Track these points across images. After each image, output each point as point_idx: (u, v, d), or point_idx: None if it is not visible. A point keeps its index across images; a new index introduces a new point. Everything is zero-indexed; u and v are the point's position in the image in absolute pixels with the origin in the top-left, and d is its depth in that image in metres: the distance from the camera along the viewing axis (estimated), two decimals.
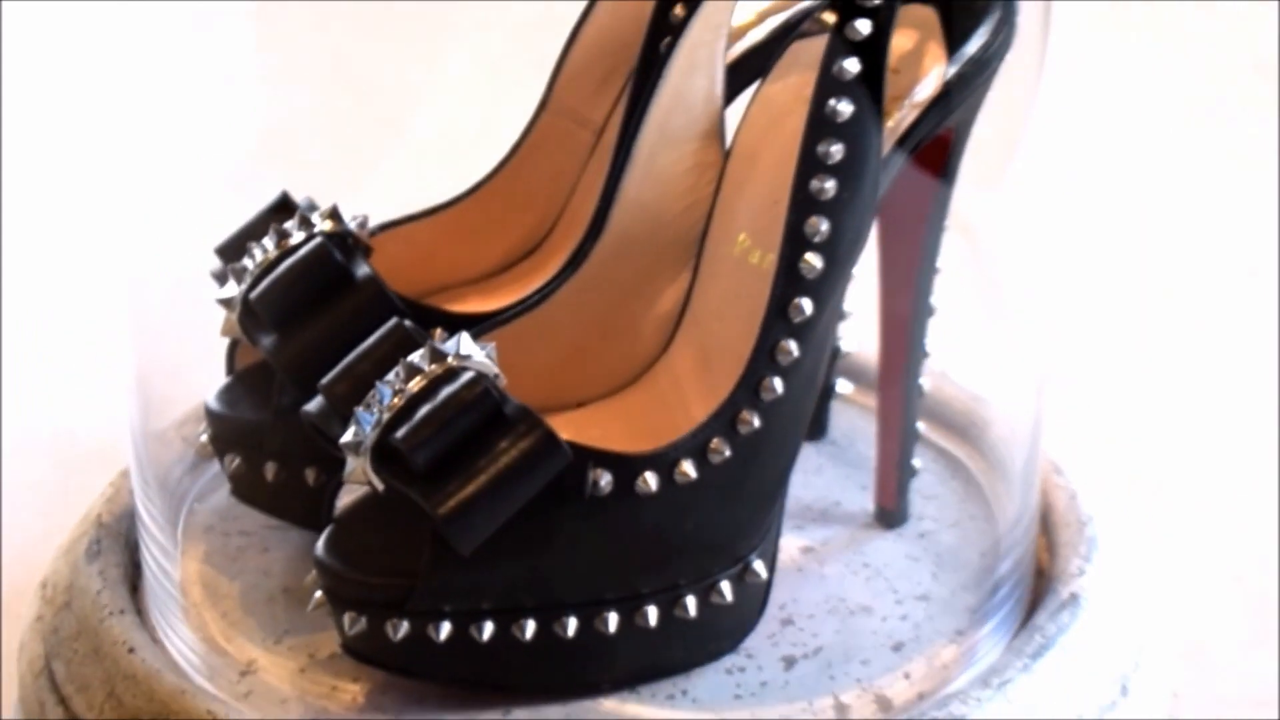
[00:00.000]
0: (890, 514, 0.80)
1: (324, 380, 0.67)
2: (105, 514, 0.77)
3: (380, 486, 0.65)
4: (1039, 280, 0.79)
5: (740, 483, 0.71)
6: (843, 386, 0.81)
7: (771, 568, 0.71)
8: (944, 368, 0.85)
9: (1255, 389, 1.02)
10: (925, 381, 0.80)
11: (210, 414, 0.74)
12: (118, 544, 0.76)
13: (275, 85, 0.82)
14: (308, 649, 0.71)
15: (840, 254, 0.68)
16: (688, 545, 0.70)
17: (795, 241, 0.69)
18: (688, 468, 0.67)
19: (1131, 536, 0.83)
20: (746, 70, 0.76)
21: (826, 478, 0.77)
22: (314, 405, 0.67)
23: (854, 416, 0.81)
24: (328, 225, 0.74)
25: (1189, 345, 1.08)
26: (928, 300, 0.78)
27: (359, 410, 0.65)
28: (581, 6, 0.80)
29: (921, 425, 0.81)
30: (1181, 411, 1.00)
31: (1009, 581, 0.76)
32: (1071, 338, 0.96)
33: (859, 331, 0.78)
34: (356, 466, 0.65)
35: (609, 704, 0.70)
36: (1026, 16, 0.73)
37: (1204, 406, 1.01)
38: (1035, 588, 0.77)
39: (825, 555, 0.77)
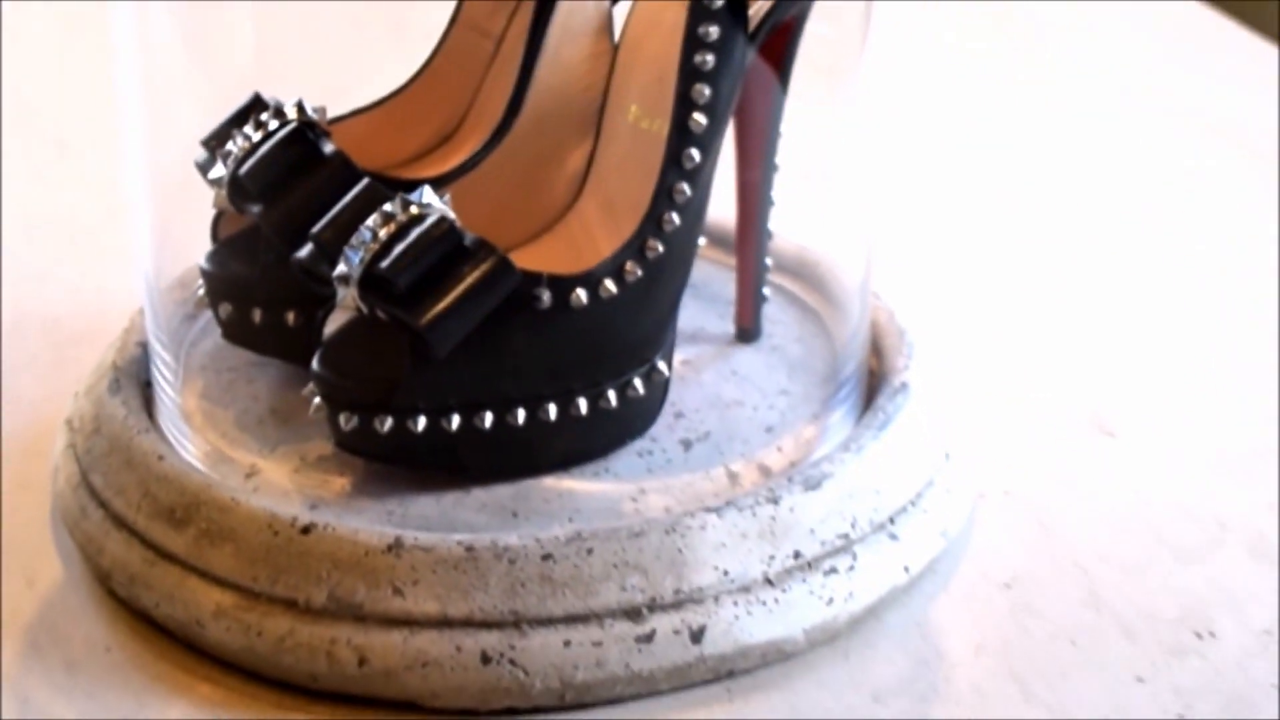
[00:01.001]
0: (748, 332, 0.90)
1: (314, 229, 0.77)
2: (118, 360, 0.85)
3: (366, 310, 0.74)
4: (867, 145, 0.89)
5: (649, 297, 0.81)
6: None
7: (670, 368, 0.81)
8: (785, 217, 0.92)
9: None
10: (771, 227, 0.89)
11: (204, 272, 0.84)
12: (132, 382, 0.84)
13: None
14: (299, 454, 0.80)
15: (719, 112, 0.80)
16: (609, 349, 0.80)
17: (684, 105, 0.80)
18: (610, 285, 0.77)
19: (939, 343, 0.93)
20: None
21: (691, 310, 0.87)
22: (303, 252, 0.77)
23: (707, 265, 0.90)
24: (295, 115, 0.82)
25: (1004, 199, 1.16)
26: (773, 160, 0.88)
27: (346, 250, 0.75)
28: None
29: (769, 261, 0.90)
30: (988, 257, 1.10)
31: (850, 381, 0.86)
32: (893, 192, 1.06)
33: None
34: (347, 295, 0.75)
35: (549, 482, 0.79)
36: None
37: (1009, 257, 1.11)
38: (869, 386, 0.87)
39: (700, 366, 0.88)
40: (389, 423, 0.76)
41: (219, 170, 0.82)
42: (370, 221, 0.76)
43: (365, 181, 0.78)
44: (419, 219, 0.76)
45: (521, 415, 0.78)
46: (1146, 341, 1.03)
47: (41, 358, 1.00)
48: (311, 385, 0.77)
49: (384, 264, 0.74)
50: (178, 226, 0.89)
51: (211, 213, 0.87)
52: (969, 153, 1.24)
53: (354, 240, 0.76)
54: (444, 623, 0.72)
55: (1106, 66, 1.35)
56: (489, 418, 0.77)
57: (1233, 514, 0.85)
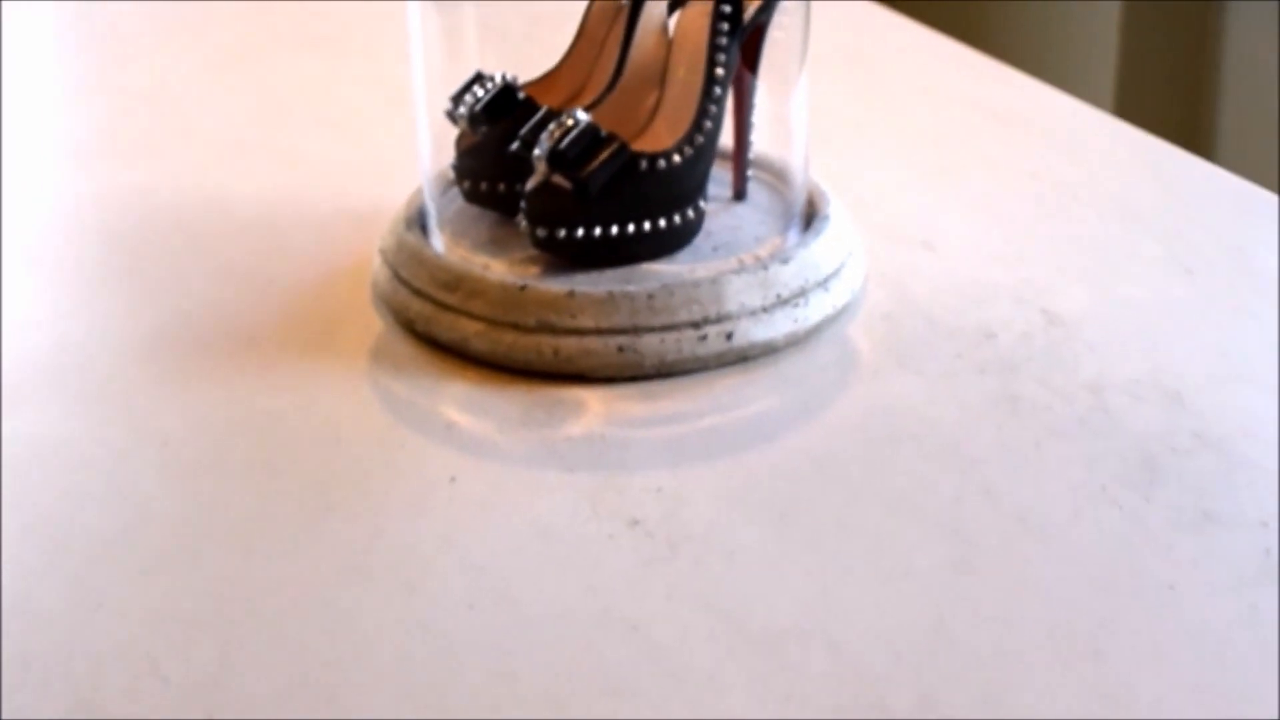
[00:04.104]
0: (740, 195, 1.14)
1: (521, 132, 1.05)
2: (408, 214, 1.09)
3: (549, 174, 1.04)
4: (803, 98, 1.11)
5: (695, 168, 1.06)
6: None
7: (705, 208, 1.08)
8: (759, 137, 1.15)
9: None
10: (754, 138, 1.14)
11: (454, 166, 1.11)
12: (416, 225, 1.09)
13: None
14: (508, 261, 1.07)
15: (726, 76, 1.07)
16: (675, 193, 1.06)
17: (710, 68, 1.07)
18: (675, 159, 1.05)
19: (845, 198, 1.14)
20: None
21: (710, 185, 1.10)
22: (514, 146, 1.05)
23: (717, 165, 1.11)
24: (501, 81, 1.09)
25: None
26: (752, 105, 1.13)
27: (542, 139, 1.04)
28: None
29: (751, 158, 1.14)
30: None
31: (797, 216, 1.10)
32: (823, 106, 1.17)
33: None
34: (541, 165, 1.04)
35: (645, 266, 1.05)
36: None
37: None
38: (807, 218, 1.10)
39: (716, 210, 1.12)
40: (562, 233, 1.04)
41: (462, 110, 1.09)
42: (550, 126, 1.04)
43: (545, 109, 1.07)
44: (577, 124, 1.04)
45: (631, 228, 1.05)
46: (960, 183, 1.26)
47: (359, 218, 1.21)
48: (521, 215, 1.05)
49: (561, 145, 1.03)
50: (440, 143, 1.13)
51: (455, 134, 1.11)
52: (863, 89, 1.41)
53: (543, 136, 1.04)
54: (597, 332, 1.01)
55: None
56: (614, 230, 1.05)
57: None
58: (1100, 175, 1.30)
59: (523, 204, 1.06)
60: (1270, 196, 1.25)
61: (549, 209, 1.05)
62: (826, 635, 0.83)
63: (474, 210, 1.12)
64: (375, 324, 1.09)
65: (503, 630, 0.84)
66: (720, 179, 1.15)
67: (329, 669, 0.82)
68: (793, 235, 1.11)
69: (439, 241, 1.10)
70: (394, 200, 1.15)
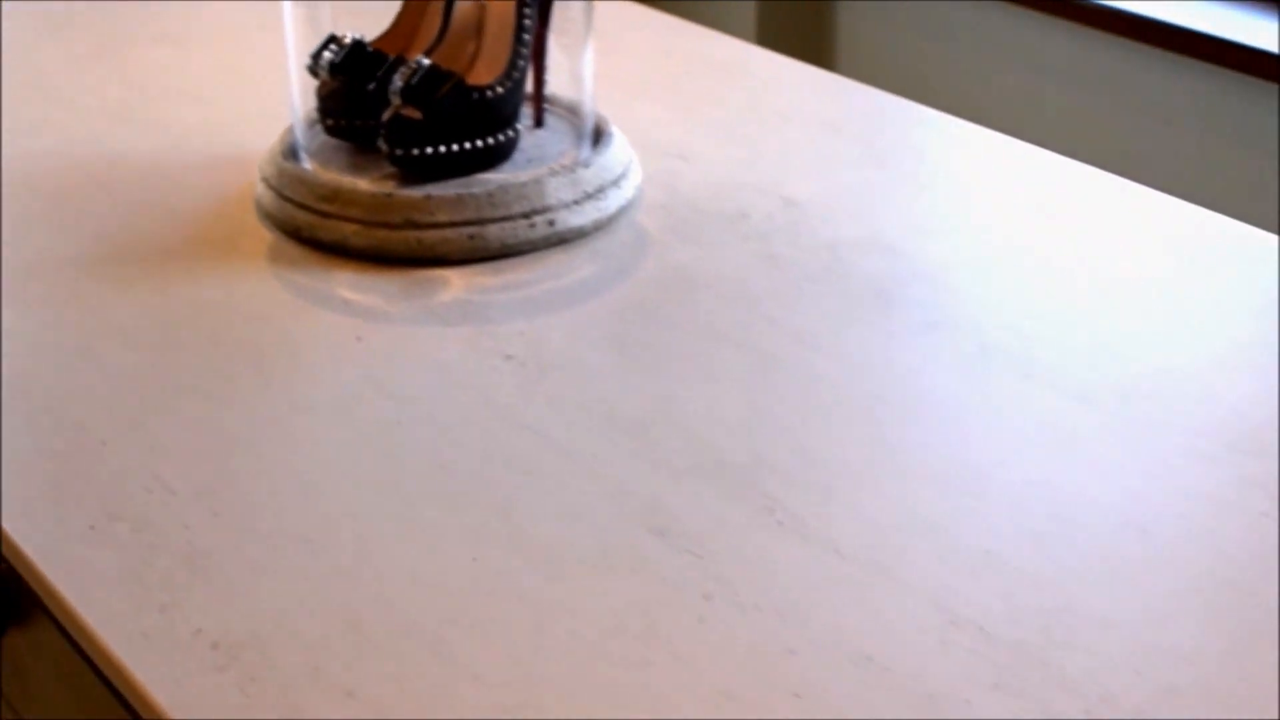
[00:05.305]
0: (539, 122, 1.32)
1: (378, 74, 1.22)
2: (281, 147, 1.25)
3: (402, 107, 1.21)
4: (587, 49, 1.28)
5: (511, 98, 1.25)
6: None
7: (519, 131, 1.26)
8: (553, 80, 1.33)
9: None
10: (548, 78, 1.32)
11: (318, 108, 1.27)
12: (290, 154, 1.25)
13: None
14: (369, 179, 1.23)
15: (530, 28, 1.25)
16: (499, 117, 1.23)
17: (519, 23, 1.25)
18: (499, 89, 1.23)
19: (624, 124, 1.31)
20: None
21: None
22: (372, 85, 1.22)
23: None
24: (352, 40, 1.25)
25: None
26: (545, 54, 1.31)
27: (393, 80, 1.20)
28: None
29: (546, 94, 1.32)
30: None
31: (588, 135, 1.28)
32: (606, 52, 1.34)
33: None
34: (395, 99, 1.20)
35: (481, 176, 1.23)
36: None
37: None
38: (596, 137, 1.29)
39: (525, 133, 1.29)
40: (415, 152, 1.21)
41: (323, 63, 1.25)
42: (401, 69, 1.21)
43: (393, 57, 1.24)
44: (422, 67, 1.21)
45: (468, 146, 1.22)
46: (701, 115, 1.43)
47: (240, 149, 1.37)
48: (380, 140, 1.22)
49: (413, 82, 1.20)
50: (304, 90, 1.29)
51: (316, 84, 1.27)
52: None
53: (395, 77, 1.21)
54: (451, 225, 1.19)
55: None
56: (455, 147, 1.22)
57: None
58: (804, 105, 1.52)
59: (381, 131, 1.23)
60: (907, 102, 1.50)
61: (404, 133, 1.22)
62: (676, 419, 1.03)
63: (335, 143, 1.30)
64: (265, 235, 1.26)
65: (430, 436, 1.02)
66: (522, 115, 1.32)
67: (301, 471, 0.99)
68: (586, 150, 1.30)
69: (310, 168, 1.28)
70: (254, 147, 1.33)
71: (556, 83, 1.35)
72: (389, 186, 1.23)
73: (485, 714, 0.81)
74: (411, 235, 1.20)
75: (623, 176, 1.28)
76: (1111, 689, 0.82)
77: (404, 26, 1.32)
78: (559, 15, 1.32)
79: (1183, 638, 0.85)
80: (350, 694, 0.82)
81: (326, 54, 1.27)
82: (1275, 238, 1.23)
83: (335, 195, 1.22)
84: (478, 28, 1.29)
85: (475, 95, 1.23)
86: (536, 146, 1.31)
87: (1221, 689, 0.82)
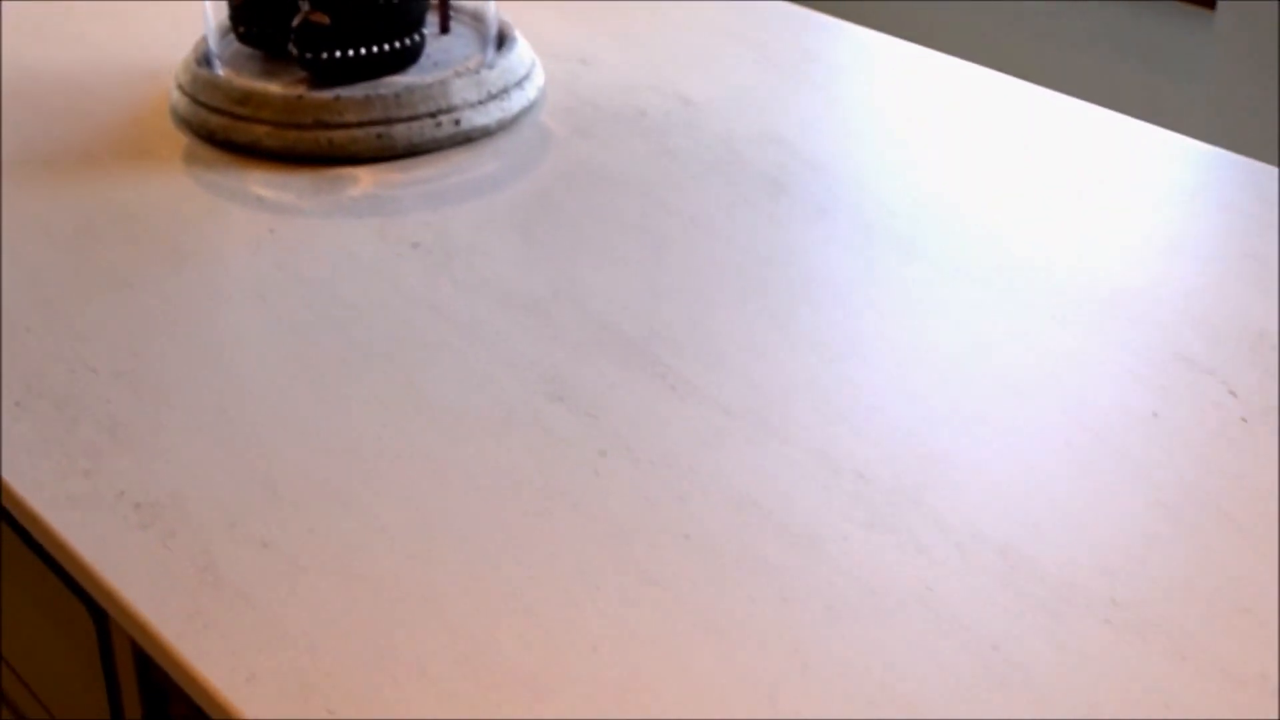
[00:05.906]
0: (445, 29, 1.34)
1: None
2: (195, 56, 1.28)
3: (311, 13, 1.26)
4: None
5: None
6: None
7: (424, 36, 1.29)
8: None
9: None
10: None
11: (230, 16, 1.30)
12: (204, 63, 1.28)
13: None
14: (281, 83, 1.28)
15: None
16: (409, 20, 1.26)
17: None
18: None
19: (529, 32, 1.37)
20: None
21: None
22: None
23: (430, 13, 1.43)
24: None
25: None
26: None
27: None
28: None
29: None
30: None
31: (492, 40, 1.31)
32: None
33: None
34: (304, 5, 1.24)
35: (389, 79, 1.33)
36: None
37: None
38: (500, 41, 1.33)
39: (431, 39, 1.32)
40: (324, 55, 1.25)
41: None
42: None
43: None
44: None
45: (375, 49, 1.26)
46: (599, 24, 1.48)
47: (156, 62, 1.41)
48: (291, 44, 1.25)
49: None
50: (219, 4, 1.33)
51: None
52: None
53: None
54: (360, 125, 1.22)
55: None
56: (363, 51, 1.26)
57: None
58: (704, 13, 1.56)
59: (292, 36, 1.27)
60: (805, 9, 1.53)
61: (313, 38, 1.26)
62: (574, 299, 1.08)
63: (247, 50, 1.33)
64: (180, 139, 1.29)
65: (340, 317, 1.06)
66: (431, 21, 1.36)
67: (218, 351, 1.04)
68: (490, 53, 1.33)
69: (223, 74, 1.31)
70: (169, 60, 1.37)
71: None
72: (300, 89, 1.27)
73: (391, 561, 0.85)
74: (322, 135, 1.24)
75: (526, 78, 1.31)
76: (981, 526, 0.87)
77: None
78: None
79: (1051, 481, 0.90)
80: (265, 545, 0.86)
81: None
82: (1170, 133, 1.29)
83: (248, 98, 1.26)
84: None
85: (381, 0, 1.27)
86: (443, 51, 1.34)
87: (1089, 524, 0.87)
